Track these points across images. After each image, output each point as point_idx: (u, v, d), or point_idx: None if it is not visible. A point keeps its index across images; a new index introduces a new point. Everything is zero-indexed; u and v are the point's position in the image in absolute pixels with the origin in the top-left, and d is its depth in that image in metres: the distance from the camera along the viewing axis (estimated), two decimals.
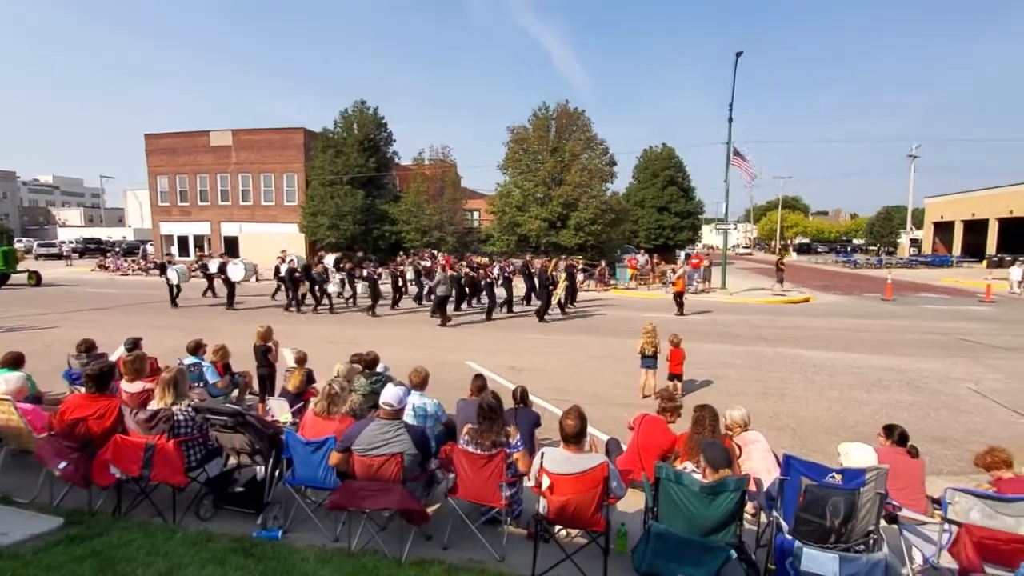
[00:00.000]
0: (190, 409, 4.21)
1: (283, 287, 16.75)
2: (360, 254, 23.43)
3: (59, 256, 40.61)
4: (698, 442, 3.79)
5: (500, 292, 16.08)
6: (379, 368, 5.83)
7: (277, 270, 17.54)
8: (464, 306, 16.53)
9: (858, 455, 3.80)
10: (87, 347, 6.09)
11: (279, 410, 5.23)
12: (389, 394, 3.85)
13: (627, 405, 7.13)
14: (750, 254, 74.00)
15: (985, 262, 37.32)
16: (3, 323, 13.21)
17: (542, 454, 3.53)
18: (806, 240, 71.05)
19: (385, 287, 16.69)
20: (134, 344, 6.17)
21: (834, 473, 3.47)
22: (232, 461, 4.58)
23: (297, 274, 16.06)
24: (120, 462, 3.97)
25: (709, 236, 72.58)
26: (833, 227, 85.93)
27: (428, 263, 18.80)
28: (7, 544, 3.56)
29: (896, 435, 4.12)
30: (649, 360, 7.75)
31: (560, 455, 3.51)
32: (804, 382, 8.70)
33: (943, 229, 48.55)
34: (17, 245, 37.72)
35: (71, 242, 45.81)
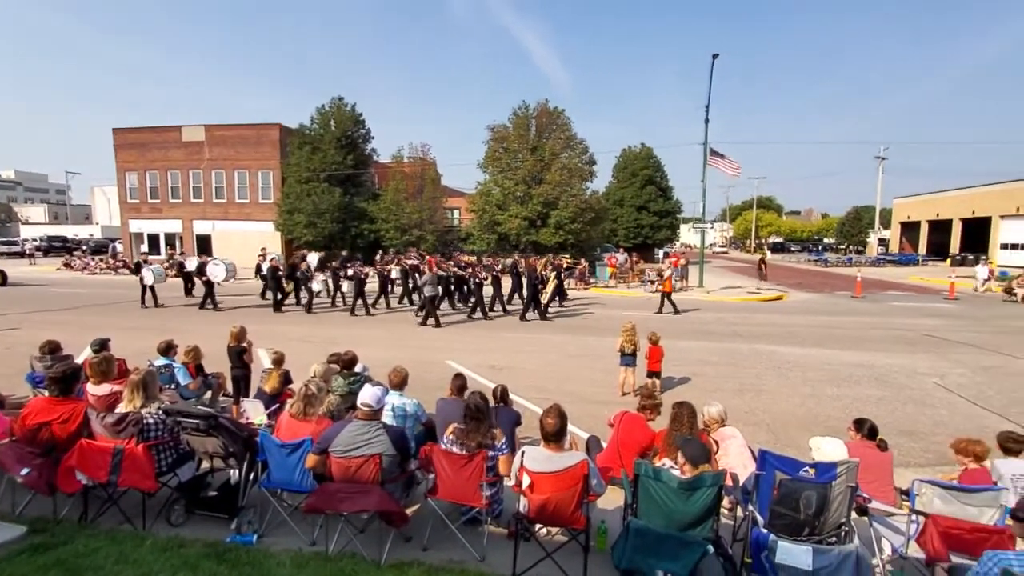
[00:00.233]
0: (160, 412, 4.09)
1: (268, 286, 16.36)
2: (345, 253, 23.16)
3: (22, 255, 39.20)
4: (677, 439, 3.84)
5: (487, 291, 16.04)
6: (357, 368, 5.75)
7: (259, 269, 17.17)
8: (453, 305, 16.45)
9: (829, 449, 3.90)
10: (51, 349, 5.86)
11: (254, 412, 5.12)
12: (367, 394, 3.80)
13: (607, 403, 7.18)
14: (726, 253, 75.33)
15: (949, 260, 38.72)
16: None
17: (522, 453, 3.53)
18: (780, 239, 72.72)
19: (371, 286, 16.50)
20: (101, 345, 5.98)
21: (807, 467, 3.55)
22: (205, 465, 4.47)
23: (281, 273, 15.71)
24: (86, 468, 3.84)
25: (687, 235, 73.74)
26: (805, 227, 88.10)
27: (415, 262, 18.64)
28: None
29: (866, 429, 4.23)
30: (628, 358, 7.82)
31: (540, 454, 3.52)
32: (778, 378, 8.89)
33: (910, 229, 50.15)
34: None
35: (35, 240, 44.22)
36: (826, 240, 76.55)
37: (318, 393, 4.31)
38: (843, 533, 3.28)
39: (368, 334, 12.36)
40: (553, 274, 15.86)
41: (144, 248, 34.19)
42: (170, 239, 34.38)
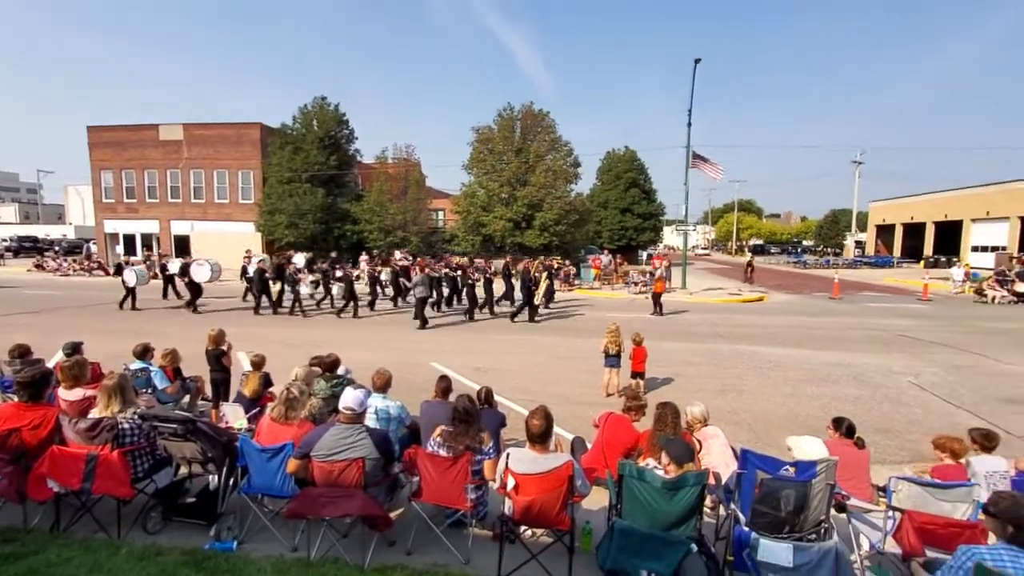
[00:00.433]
0: (136, 417, 3.99)
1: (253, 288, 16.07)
2: (334, 254, 22.92)
3: None
4: (660, 439, 3.86)
5: (479, 292, 16.03)
6: (340, 371, 5.68)
7: (244, 270, 16.84)
8: (445, 307, 16.39)
9: (809, 447, 3.96)
10: (21, 352, 5.69)
11: (233, 416, 5.03)
12: (349, 398, 3.75)
13: (592, 404, 7.21)
14: (708, 255, 76.32)
15: (922, 263, 39.75)
16: None
17: (507, 455, 3.52)
18: (760, 242, 74.02)
19: (361, 287, 16.35)
20: (74, 349, 5.82)
21: (788, 466, 3.61)
22: (183, 471, 4.38)
23: (268, 275, 15.42)
24: (58, 475, 3.73)
25: (670, 237, 74.52)
26: (785, 229, 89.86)
27: (406, 263, 18.52)
28: None
29: (844, 427, 4.32)
30: (612, 359, 7.86)
31: (526, 455, 3.51)
32: (759, 378, 9.02)
33: (885, 231, 51.34)
34: None
35: (5, 240, 42.87)
36: (805, 242, 78.09)
37: (300, 396, 4.26)
38: (823, 530, 3.34)
39: (352, 336, 12.23)
40: (544, 275, 15.91)
41: (120, 249, 33.40)
42: (147, 240, 33.61)
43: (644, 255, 40.55)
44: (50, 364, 5.38)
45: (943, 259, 37.82)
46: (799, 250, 66.75)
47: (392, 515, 3.85)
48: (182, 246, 31.13)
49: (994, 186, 37.12)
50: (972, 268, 26.49)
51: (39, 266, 29.51)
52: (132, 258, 22.91)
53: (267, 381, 5.70)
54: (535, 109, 29.71)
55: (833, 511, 3.49)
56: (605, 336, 7.96)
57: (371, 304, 16.00)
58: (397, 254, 23.44)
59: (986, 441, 4.04)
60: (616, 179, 41.67)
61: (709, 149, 74.57)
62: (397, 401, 5.00)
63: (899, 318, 15.80)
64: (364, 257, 25.68)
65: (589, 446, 4.83)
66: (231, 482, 4.03)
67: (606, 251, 31.83)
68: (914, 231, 46.26)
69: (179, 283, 16.81)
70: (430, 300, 14.44)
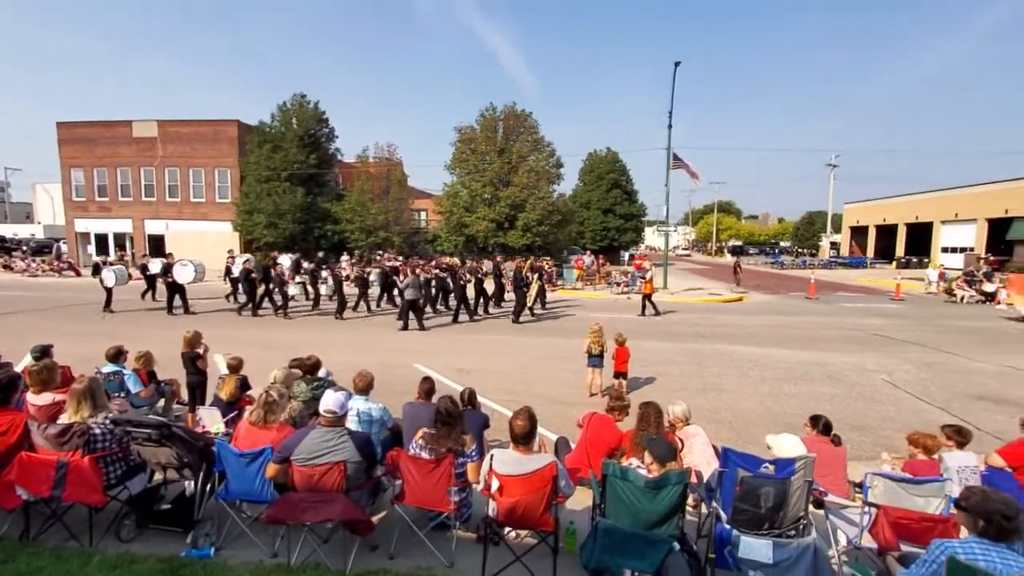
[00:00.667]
0: (108, 422, 3.87)
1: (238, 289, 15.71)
2: (320, 255, 22.61)
3: None
4: (643, 438, 3.89)
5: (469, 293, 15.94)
6: (320, 373, 5.59)
7: (228, 271, 16.47)
8: (430, 309, 16.24)
9: (787, 445, 4.02)
10: None
11: (210, 420, 4.92)
12: (329, 400, 3.70)
13: (575, 404, 7.23)
14: (689, 255, 77.34)
15: (895, 263, 40.87)
16: None
17: (491, 456, 3.51)
18: (739, 242, 75.24)
19: (349, 288, 16.14)
20: (43, 352, 5.61)
21: (767, 464, 3.66)
22: (158, 477, 4.27)
23: (254, 275, 15.07)
24: (27, 483, 3.61)
25: (651, 238, 75.35)
26: (763, 230, 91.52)
27: (396, 263, 18.33)
28: None
29: (821, 425, 4.41)
30: (595, 359, 7.89)
31: (510, 456, 3.50)
32: (739, 377, 9.16)
33: (859, 233, 52.65)
34: None
35: None
36: (782, 243, 79.65)
37: (279, 399, 4.17)
38: (801, 526, 3.39)
39: (333, 338, 12.08)
40: (535, 276, 15.94)
41: (92, 249, 32.48)
42: (120, 239, 32.75)
43: (626, 255, 40.88)
44: (18, 368, 5.19)
45: (914, 260, 38.97)
46: (776, 251, 68.08)
47: (374, 519, 3.81)
48: (156, 246, 30.38)
49: (962, 189, 38.38)
50: (946, 269, 27.31)
51: (7, 266, 28.55)
52: (109, 258, 22.20)
53: (244, 384, 5.58)
54: (518, 109, 29.74)
55: (811, 507, 3.56)
56: (588, 336, 7.99)
57: (356, 306, 15.86)
58: (386, 254, 23.24)
59: (959, 437, 4.16)
60: (598, 180, 41.96)
61: (690, 151, 75.52)
62: (379, 403, 4.93)
63: (873, 317, 16.20)
64: (345, 258, 25.40)
65: (573, 446, 4.84)
66: (208, 488, 3.94)
67: (588, 252, 32.01)
68: (887, 232, 47.55)
69: (159, 284, 16.33)
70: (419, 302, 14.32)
